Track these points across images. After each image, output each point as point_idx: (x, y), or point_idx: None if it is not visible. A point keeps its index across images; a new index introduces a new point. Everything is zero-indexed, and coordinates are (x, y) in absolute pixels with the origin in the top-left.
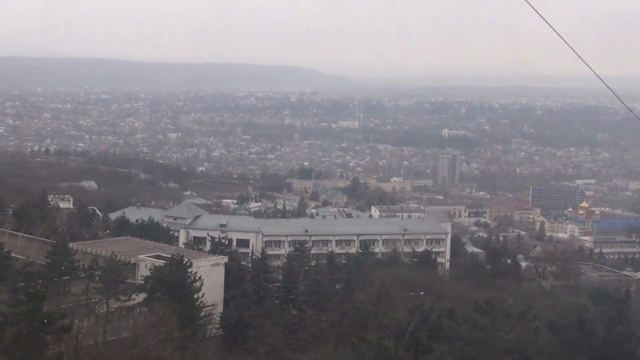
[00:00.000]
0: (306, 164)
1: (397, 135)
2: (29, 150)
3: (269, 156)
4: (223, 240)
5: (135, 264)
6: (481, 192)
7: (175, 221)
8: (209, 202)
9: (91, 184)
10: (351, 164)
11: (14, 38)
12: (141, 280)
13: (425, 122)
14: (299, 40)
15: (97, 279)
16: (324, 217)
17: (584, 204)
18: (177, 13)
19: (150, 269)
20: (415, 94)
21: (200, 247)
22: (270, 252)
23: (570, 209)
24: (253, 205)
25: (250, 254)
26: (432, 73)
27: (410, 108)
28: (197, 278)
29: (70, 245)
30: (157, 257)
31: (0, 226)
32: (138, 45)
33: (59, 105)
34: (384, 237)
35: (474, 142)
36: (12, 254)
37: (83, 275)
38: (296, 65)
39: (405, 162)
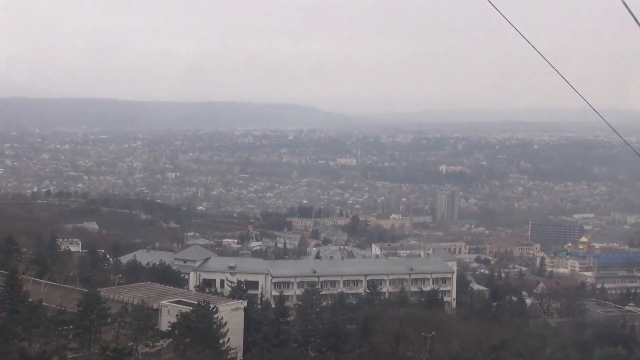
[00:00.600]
0: (305, 201)
1: (395, 172)
2: (29, 191)
3: (268, 194)
4: (242, 286)
5: (157, 310)
6: (480, 228)
7: (185, 264)
8: (211, 242)
9: (92, 225)
10: (350, 202)
11: (11, 79)
12: (168, 326)
13: (423, 158)
14: (295, 78)
15: (126, 325)
16: (331, 257)
17: (584, 239)
18: (173, 52)
19: (177, 315)
20: (412, 130)
21: (211, 289)
22: (278, 293)
23: (570, 244)
24: (254, 245)
25: (259, 296)
26: (428, 108)
27: (408, 144)
28: (223, 324)
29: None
30: (179, 302)
31: (23, 273)
32: (135, 85)
33: (58, 146)
34: (390, 277)
35: (471, 177)
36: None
37: (112, 321)
38: (293, 102)
39: (404, 199)
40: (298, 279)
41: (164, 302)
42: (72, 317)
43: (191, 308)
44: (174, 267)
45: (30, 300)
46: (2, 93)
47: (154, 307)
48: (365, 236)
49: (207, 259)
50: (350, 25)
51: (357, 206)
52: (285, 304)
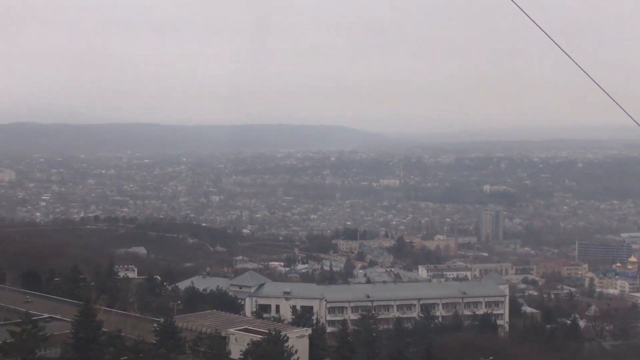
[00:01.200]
0: (349, 223)
1: (438, 192)
2: (76, 216)
3: (312, 216)
4: (308, 315)
5: (225, 338)
6: (526, 248)
7: (240, 290)
8: (260, 266)
9: (141, 250)
10: (394, 223)
11: (56, 106)
12: (240, 355)
13: (466, 178)
14: (335, 100)
15: (201, 354)
16: (384, 282)
17: (633, 259)
18: (214, 76)
19: (248, 344)
20: (454, 150)
21: (275, 316)
22: (333, 318)
23: (618, 264)
24: (300, 267)
25: (314, 321)
26: (470, 128)
27: (450, 164)
28: (293, 352)
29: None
30: (246, 330)
31: (94, 303)
32: (177, 109)
33: (103, 171)
34: (443, 301)
35: (515, 197)
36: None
37: (188, 351)
38: (334, 124)
39: (448, 219)
40: (352, 304)
41: (231, 330)
42: (149, 347)
43: (261, 336)
44: (230, 293)
45: (105, 329)
46: (47, 119)
47: (222, 335)
48: (411, 258)
49: (262, 285)
50: (390, 47)
51: (401, 227)
52: (347, 330)
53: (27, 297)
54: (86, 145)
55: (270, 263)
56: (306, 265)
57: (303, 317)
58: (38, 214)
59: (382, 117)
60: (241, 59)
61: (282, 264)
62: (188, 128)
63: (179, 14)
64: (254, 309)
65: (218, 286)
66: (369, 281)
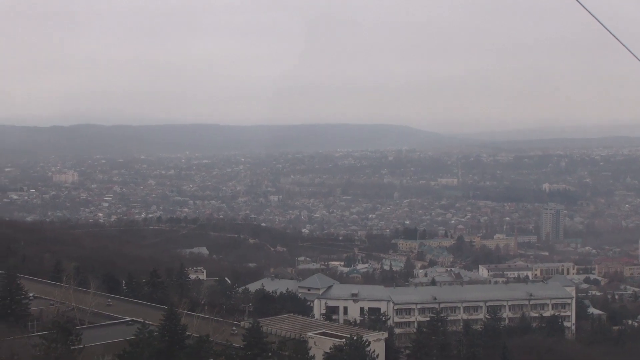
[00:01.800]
0: (408, 222)
1: (496, 191)
2: (138, 217)
3: (370, 216)
4: (381, 317)
5: (304, 342)
6: (587, 247)
7: (309, 291)
8: (322, 266)
9: (202, 250)
10: (452, 222)
11: (116, 108)
12: (323, 359)
13: (525, 176)
14: (393, 99)
15: (286, 359)
16: (450, 284)
17: None
18: (271, 76)
19: (330, 348)
20: (513, 149)
21: (337, 317)
22: (400, 319)
23: None
24: (361, 267)
25: (382, 323)
26: (529, 126)
27: (509, 163)
28: (375, 356)
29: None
30: (324, 334)
31: (177, 306)
32: (235, 109)
33: (163, 172)
34: (510, 303)
35: (575, 195)
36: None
37: (273, 355)
38: (391, 123)
39: (507, 218)
40: (419, 306)
41: (310, 333)
42: (237, 351)
43: (340, 340)
44: (300, 295)
45: (189, 333)
46: (108, 121)
47: (301, 339)
48: (470, 257)
49: (329, 287)
50: (448, 46)
51: (460, 226)
52: (422, 332)
53: (109, 300)
54: (146, 146)
55: (330, 263)
56: (366, 265)
57: (377, 320)
58: (100, 214)
59: (439, 116)
60: (299, 59)
61: (342, 263)
62: (246, 128)
63: (237, 16)
64: (323, 311)
65: (288, 288)
66: (433, 282)
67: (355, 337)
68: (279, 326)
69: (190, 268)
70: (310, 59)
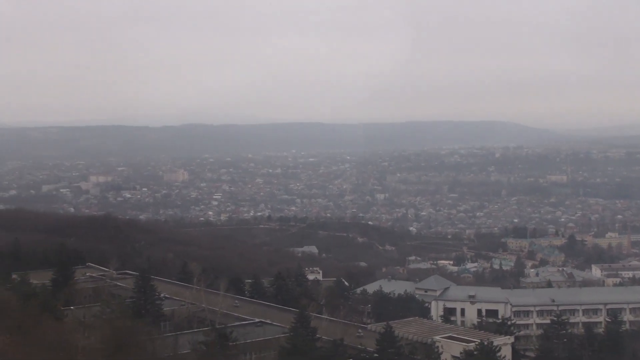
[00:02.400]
0: (516, 220)
1: (608, 188)
2: (246, 215)
3: (478, 214)
4: (507, 321)
5: (430, 345)
6: None
7: (426, 293)
8: (432, 266)
9: (312, 249)
10: (562, 220)
11: (223, 107)
12: None
13: (638, 173)
14: (499, 95)
15: None
16: (568, 286)
17: None
18: (376, 74)
19: (460, 353)
20: (625, 144)
21: (452, 319)
22: (518, 322)
23: None
24: (470, 266)
25: (513, 328)
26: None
27: (621, 159)
28: None
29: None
30: (450, 337)
31: (314, 312)
32: (339, 107)
33: (270, 170)
34: (631, 306)
35: None
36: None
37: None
38: (497, 119)
39: (619, 216)
40: (537, 308)
41: (437, 337)
42: (370, 354)
43: (469, 345)
44: (417, 297)
45: (322, 337)
46: (216, 121)
47: (428, 343)
48: (582, 256)
49: (446, 288)
50: (555, 41)
51: (571, 224)
52: (546, 337)
53: (236, 302)
54: (252, 145)
55: (439, 262)
56: (476, 264)
57: (503, 324)
58: (210, 212)
59: (547, 112)
60: (404, 56)
61: (452, 262)
62: (350, 126)
63: (341, 13)
64: (441, 313)
65: (406, 290)
66: (549, 284)
67: (486, 342)
68: (406, 329)
69: (307, 268)
70: (416, 56)
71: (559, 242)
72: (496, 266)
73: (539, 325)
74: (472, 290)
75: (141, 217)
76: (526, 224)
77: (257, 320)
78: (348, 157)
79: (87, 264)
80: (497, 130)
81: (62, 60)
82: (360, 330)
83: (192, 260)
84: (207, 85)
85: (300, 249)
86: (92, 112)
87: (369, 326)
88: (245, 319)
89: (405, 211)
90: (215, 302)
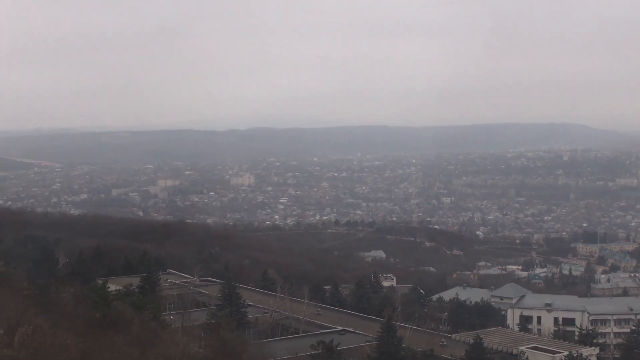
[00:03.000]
0: (585, 225)
1: None
2: (312, 219)
3: (545, 218)
4: (590, 331)
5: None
6: None
7: (501, 301)
8: (503, 271)
9: (380, 254)
10: (632, 224)
11: (289, 111)
12: None
13: None
14: (567, 97)
15: None
16: None
17: None
18: (442, 76)
19: None
20: None
21: (529, 327)
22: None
23: None
24: (539, 271)
25: (577, 333)
26: None
27: None
28: None
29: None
30: (535, 348)
31: (394, 321)
32: (404, 110)
33: (335, 174)
34: None
35: None
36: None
37: None
38: (563, 121)
39: None
40: (615, 317)
41: (522, 348)
42: None
43: (558, 356)
44: (494, 305)
45: (405, 346)
46: (280, 124)
47: (513, 353)
48: None
49: (522, 296)
50: (618, 39)
51: None
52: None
53: (318, 310)
54: (317, 148)
55: (508, 267)
56: (545, 269)
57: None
58: (277, 216)
59: (614, 113)
60: (469, 58)
61: (520, 267)
62: (415, 129)
63: (407, 14)
64: (517, 322)
65: (482, 298)
66: (625, 292)
67: (575, 354)
68: (490, 339)
69: (381, 275)
70: (482, 58)
71: (631, 247)
72: (565, 271)
73: (616, 334)
74: (548, 299)
75: (208, 220)
76: (595, 229)
77: (340, 328)
78: (414, 161)
79: (167, 271)
80: (563, 132)
81: (130, 66)
82: (443, 340)
83: (268, 267)
84: (272, 89)
85: (368, 254)
86: (160, 117)
87: (453, 336)
88: (328, 327)
89: (471, 215)
90: (299, 309)
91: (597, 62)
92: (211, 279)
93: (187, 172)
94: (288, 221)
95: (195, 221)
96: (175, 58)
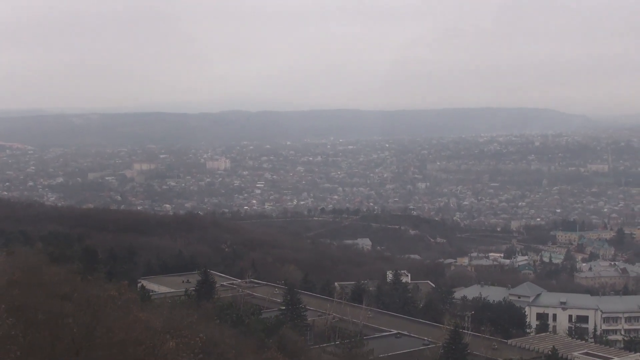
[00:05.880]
0: (558, 211)
1: None
2: (289, 204)
3: (520, 204)
4: (635, 338)
5: None
6: None
7: (519, 299)
8: (495, 262)
9: (365, 242)
10: (605, 210)
11: (261, 95)
12: None
13: None
14: (536, 81)
15: None
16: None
17: None
18: (412, 60)
19: None
20: None
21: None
22: (607, 327)
23: None
24: (520, 259)
25: (591, 331)
26: None
27: None
28: None
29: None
30: (587, 354)
31: (453, 324)
32: (377, 94)
33: (310, 158)
34: None
35: None
36: None
37: None
38: (535, 106)
39: None
40: (626, 315)
41: (576, 353)
42: None
43: None
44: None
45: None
46: (252, 108)
47: (568, 359)
48: (632, 249)
49: (538, 295)
50: (587, 24)
51: (614, 215)
52: None
53: (369, 313)
54: (291, 132)
55: (490, 254)
56: (526, 257)
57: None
58: (254, 201)
59: (582, 98)
60: (439, 43)
61: (502, 255)
62: (388, 113)
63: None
64: (537, 321)
65: (504, 297)
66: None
67: None
68: (543, 345)
69: (394, 271)
70: (453, 42)
71: (608, 235)
72: (546, 259)
73: (627, 332)
74: (563, 297)
75: (187, 205)
76: (569, 215)
77: (395, 332)
78: (387, 145)
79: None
80: (534, 117)
81: (101, 48)
82: (495, 344)
83: (290, 264)
84: (245, 72)
85: (355, 242)
86: (131, 100)
87: (509, 341)
88: (384, 330)
89: (447, 200)
90: (355, 313)
91: (567, 47)
92: (255, 280)
93: (161, 156)
94: (266, 206)
95: (174, 207)
96: (146, 40)
